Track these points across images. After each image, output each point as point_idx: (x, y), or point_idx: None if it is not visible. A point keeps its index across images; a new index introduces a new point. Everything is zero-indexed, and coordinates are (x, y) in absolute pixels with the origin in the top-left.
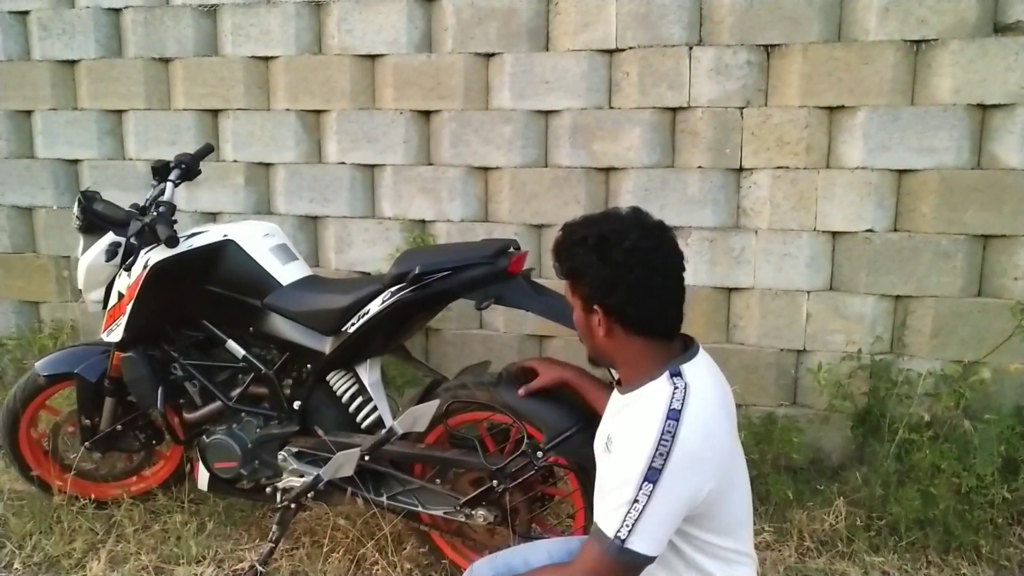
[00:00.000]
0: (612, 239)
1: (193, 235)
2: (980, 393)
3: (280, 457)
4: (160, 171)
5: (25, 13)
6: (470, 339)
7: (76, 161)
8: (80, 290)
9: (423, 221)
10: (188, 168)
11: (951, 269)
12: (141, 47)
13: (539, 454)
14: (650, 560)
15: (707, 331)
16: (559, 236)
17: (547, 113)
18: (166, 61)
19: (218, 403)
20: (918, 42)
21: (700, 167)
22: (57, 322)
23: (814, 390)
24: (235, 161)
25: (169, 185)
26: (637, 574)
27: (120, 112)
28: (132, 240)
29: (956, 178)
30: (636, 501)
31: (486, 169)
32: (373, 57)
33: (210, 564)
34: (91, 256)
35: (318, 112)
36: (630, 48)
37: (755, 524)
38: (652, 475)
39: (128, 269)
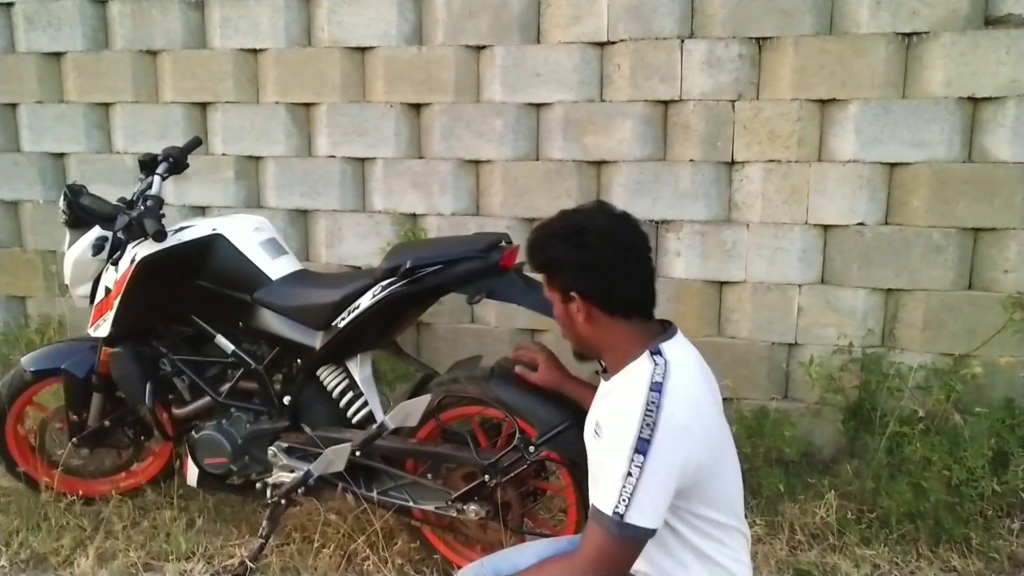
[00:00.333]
0: (585, 226)
1: (181, 229)
2: (971, 386)
3: (270, 453)
4: (148, 165)
5: (10, 5)
6: (461, 333)
7: (63, 155)
8: (67, 285)
9: (414, 215)
10: (176, 162)
11: (942, 262)
12: (128, 39)
13: (531, 449)
14: (651, 533)
15: (699, 325)
16: (532, 236)
17: (539, 106)
18: (154, 54)
19: (207, 399)
20: (909, 35)
21: (692, 160)
22: (44, 317)
23: (806, 384)
24: (224, 155)
25: (157, 179)
26: (640, 548)
27: (107, 105)
28: (119, 234)
29: (947, 171)
30: (630, 475)
31: (477, 162)
32: (363, 50)
33: (200, 560)
34: (78, 251)
35: (308, 105)
36: (622, 41)
37: (746, 518)
38: (642, 446)
39: (115, 264)
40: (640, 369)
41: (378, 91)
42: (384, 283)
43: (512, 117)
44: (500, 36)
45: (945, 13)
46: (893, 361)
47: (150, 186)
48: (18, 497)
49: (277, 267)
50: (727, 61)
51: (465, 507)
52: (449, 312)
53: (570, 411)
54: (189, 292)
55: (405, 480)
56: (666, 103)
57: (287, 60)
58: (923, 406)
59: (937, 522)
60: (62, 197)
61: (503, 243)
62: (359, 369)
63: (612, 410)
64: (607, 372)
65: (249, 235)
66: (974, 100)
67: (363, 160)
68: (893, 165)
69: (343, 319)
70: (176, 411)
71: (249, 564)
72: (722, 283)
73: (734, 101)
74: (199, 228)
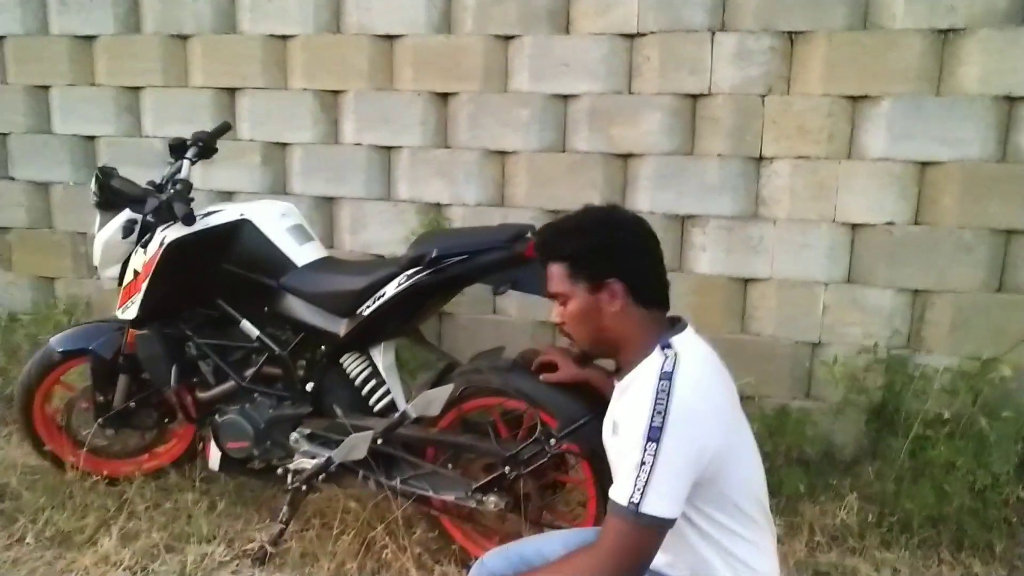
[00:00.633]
0: (607, 220)
1: (209, 214)
2: (998, 390)
3: (292, 438)
4: (177, 149)
5: None
6: (483, 324)
7: (93, 137)
8: (96, 266)
9: (438, 204)
10: (205, 146)
11: (972, 263)
12: (159, 23)
13: (552, 441)
14: (669, 523)
15: (722, 321)
16: (540, 237)
17: (565, 97)
18: (184, 38)
19: (231, 383)
20: (945, 31)
21: (719, 154)
22: (72, 298)
23: (829, 383)
24: (251, 140)
25: (186, 163)
26: (659, 538)
27: (137, 89)
28: (149, 217)
29: (980, 170)
30: (643, 463)
31: (503, 153)
32: (391, 37)
33: (220, 543)
34: (108, 233)
35: (335, 92)
36: (651, 32)
37: None
38: (654, 433)
39: (144, 246)
40: (651, 363)
41: (405, 79)
42: (409, 272)
43: (539, 107)
44: (528, 25)
45: (983, 9)
46: (919, 362)
47: (179, 170)
48: (44, 475)
49: (303, 253)
50: (758, 54)
51: (484, 498)
52: (471, 302)
53: (592, 404)
54: (216, 276)
55: (425, 469)
56: (695, 96)
57: (315, 46)
58: (948, 409)
59: (960, 527)
60: (94, 179)
61: (528, 234)
62: (382, 357)
63: (627, 406)
64: (620, 371)
65: (276, 221)
66: (1010, 99)
67: (389, 148)
68: (924, 163)
69: (368, 307)
70: (200, 394)
71: (269, 548)
72: (747, 279)
73: (764, 95)
74: (227, 213)
